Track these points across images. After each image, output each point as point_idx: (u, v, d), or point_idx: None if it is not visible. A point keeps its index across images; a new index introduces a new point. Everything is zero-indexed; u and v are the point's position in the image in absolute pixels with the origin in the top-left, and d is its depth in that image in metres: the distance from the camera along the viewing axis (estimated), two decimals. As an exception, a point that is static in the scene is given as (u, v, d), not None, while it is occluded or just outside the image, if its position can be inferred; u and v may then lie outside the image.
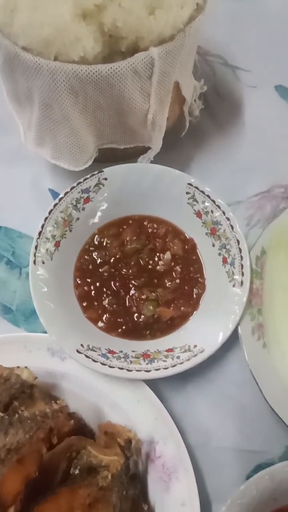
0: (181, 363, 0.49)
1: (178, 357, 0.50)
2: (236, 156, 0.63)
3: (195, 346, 0.50)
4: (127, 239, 0.56)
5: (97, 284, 0.55)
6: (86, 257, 0.56)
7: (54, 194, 0.60)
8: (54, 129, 0.50)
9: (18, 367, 0.47)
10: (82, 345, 0.50)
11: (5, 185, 0.61)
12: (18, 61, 0.44)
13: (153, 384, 0.50)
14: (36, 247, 0.51)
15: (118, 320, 0.54)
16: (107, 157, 0.57)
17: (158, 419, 0.49)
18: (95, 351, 0.50)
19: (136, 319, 0.54)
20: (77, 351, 0.49)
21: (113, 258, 0.56)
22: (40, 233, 0.52)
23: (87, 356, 0.49)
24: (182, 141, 0.63)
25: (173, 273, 0.56)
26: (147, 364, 0.50)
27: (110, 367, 0.49)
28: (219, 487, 0.50)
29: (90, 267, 0.56)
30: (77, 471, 0.44)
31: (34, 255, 0.51)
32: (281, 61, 0.69)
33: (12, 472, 0.39)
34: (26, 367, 0.47)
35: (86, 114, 0.48)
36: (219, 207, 0.53)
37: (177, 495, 0.47)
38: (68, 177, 0.58)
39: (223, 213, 0.53)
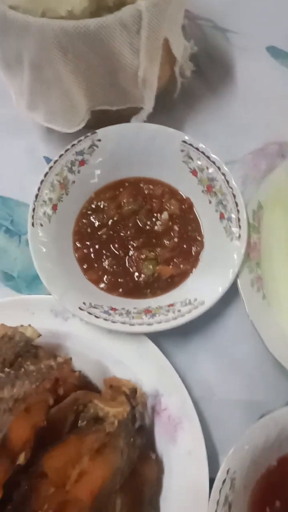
0: (182, 316, 0.49)
1: (179, 311, 0.50)
2: (229, 117, 0.63)
3: (195, 299, 0.51)
4: (124, 201, 0.57)
5: (96, 246, 0.55)
6: (84, 220, 0.56)
7: (50, 161, 0.60)
8: (46, 91, 0.50)
9: (21, 325, 0.48)
10: (84, 303, 0.50)
11: (0, 155, 0.61)
12: (6, 21, 0.44)
13: (155, 341, 0.51)
14: (33, 210, 0.52)
15: (119, 280, 0.54)
16: (101, 121, 0.57)
17: (162, 372, 0.50)
18: (97, 308, 0.51)
19: (136, 278, 0.54)
20: (80, 308, 0.50)
21: (111, 221, 0.56)
22: (36, 196, 0.52)
23: (89, 313, 0.49)
24: (174, 104, 0.63)
25: (171, 233, 0.56)
26: (149, 318, 0.50)
27: (113, 322, 0.49)
28: (224, 438, 0.50)
29: (89, 230, 0.56)
30: (84, 423, 0.44)
31: (32, 217, 0.51)
32: (272, 23, 0.69)
33: (20, 420, 0.39)
34: (29, 325, 0.48)
35: (76, 73, 0.48)
36: (214, 163, 0.53)
37: (183, 445, 0.48)
38: (63, 144, 0.58)
39: (218, 168, 0.53)
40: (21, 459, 0.39)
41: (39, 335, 0.48)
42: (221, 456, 0.50)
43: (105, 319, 0.50)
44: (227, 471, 0.44)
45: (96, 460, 0.40)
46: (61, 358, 0.45)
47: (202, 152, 0.54)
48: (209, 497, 0.44)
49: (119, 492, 0.41)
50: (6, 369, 0.44)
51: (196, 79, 0.64)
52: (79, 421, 0.45)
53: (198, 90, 0.65)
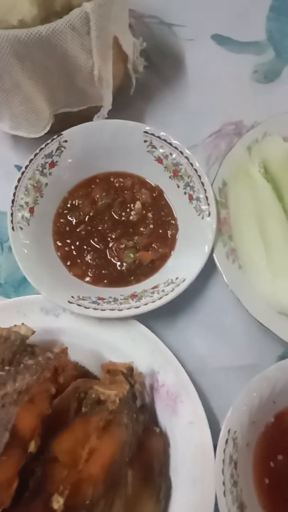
0: (167, 295, 0.52)
1: (163, 291, 0.53)
2: (186, 105, 0.66)
3: (176, 278, 0.53)
4: (97, 196, 0.59)
5: (77, 243, 0.58)
6: (61, 220, 0.58)
7: (20, 169, 0.62)
8: (8, 99, 0.52)
9: (15, 325, 0.50)
10: (72, 297, 0.53)
11: (-28, 168, 0.63)
12: None
13: (146, 324, 0.54)
14: (12, 215, 0.54)
15: (103, 272, 0.57)
16: (64, 124, 0.59)
17: (155, 351, 0.53)
18: (85, 300, 0.53)
19: (119, 268, 0.57)
20: (69, 302, 0.52)
21: (87, 217, 0.59)
22: (13, 201, 0.54)
23: (79, 305, 0.52)
24: (132, 100, 0.66)
25: (146, 220, 0.59)
26: (135, 302, 0.53)
27: (102, 310, 0.52)
28: (222, 405, 0.53)
29: (67, 228, 0.58)
30: (87, 408, 0.46)
31: (12, 221, 0.53)
32: (213, 12, 0.72)
33: (26, 410, 0.41)
34: (22, 323, 0.50)
35: (35, 79, 0.51)
36: (176, 148, 0.56)
37: (184, 416, 0.50)
38: (31, 151, 0.60)
39: (181, 153, 0.56)
40: (32, 447, 0.41)
41: (33, 332, 0.49)
42: (222, 423, 0.52)
43: (95, 309, 0.52)
44: (228, 431, 0.47)
45: (103, 438, 0.43)
46: (58, 348, 0.47)
47: (164, 140, 0.57)
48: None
49: (129, 466, 0.44)
50: (6, 367, 0.46)
51: (149, 74, 0.67)
52: (83, 408, 0.47)
53: (152, 84, 0.68)
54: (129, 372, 0.47)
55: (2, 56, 0.47)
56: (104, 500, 0.41)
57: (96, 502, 0.40)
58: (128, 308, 0.52)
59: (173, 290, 0.52)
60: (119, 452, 0.42)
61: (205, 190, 0.55)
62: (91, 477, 0.40)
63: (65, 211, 0.59)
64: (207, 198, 0.55)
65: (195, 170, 0.56)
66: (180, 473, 0.48)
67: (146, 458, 0.46)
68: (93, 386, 0.48)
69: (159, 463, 0.48)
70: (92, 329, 0.54)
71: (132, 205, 0.59)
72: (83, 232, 0.58)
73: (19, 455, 0.40)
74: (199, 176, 0.56)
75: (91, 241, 0.58)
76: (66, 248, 0.57)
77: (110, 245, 0.58)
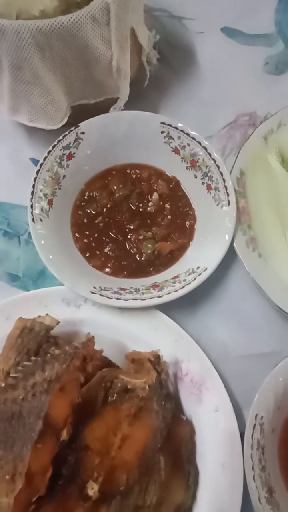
0: (189, 284, 0.52)
1: (184, 280, 0.53)
2: (199, 97, 0.66)
3: (198, 267, 0.54)
4: (114, 188, 0.59)
5: (95, 235, 0.58)
6: (79, 212, 0.59)
7: (36, 162, 0.62)
8: (27, 91, 0.52)
9: (39, 316, 0.50)
10: (94, 287, 0.53)
11: (-14, 163, 0.63)
12: (-19, 28, 0.46)
13: (166, 313, 0.54)
14: (31, 206, 0.54)
15: (122, 263, 0.57)
16: (81, 116, 0.59)
17: (178, 340, 0.53)
18: (107, 290, 0.53)
19: (138, 259, 0.57)
20: (91, 292, 0.52)
21: (105, 209, 0.59)
22: (32, 193, 0.54)
23: (101, 295, 0.52)
24: (145, 93, 0.66)
25: (164, 211, 0.59)
26: (157, 291, 0.53)
27: (125, 300, 0.52)
28: (245, 393, 0.53)
29: (85, 220, 0.58)
30: (114, 397, 0.47)
31: (32, 213, 0.53)
32: (222, 5, 0.73)
33: (57, 398, 0.41)
34: (47, 314, 0.50)
35: (55, 70, 0.51)
36: (194, 138, 0.57)
37: (209, 403, 0.51)
38: (46, 144, 0.60)
39: (199, 143, 0.56)
40: (64, 435, 0.41)
41: (58, 322, 0.49)
42: (245, 410, 0.53)
43: (117, 299, 0.52)
44: (255, 417, 0.47)
45: (135, 425, 0.43)
46: (84, 337, 0.47)
47: (181, 130, 0.57)
48: (242, 447, 0.48)
49: (161, 452, 0.44)
50: (32, 358, 0.46)
51: (162, 67, 0.68)
52: (109, 397, 0.47)
53: (165, 77, 0.68)
54: (156, 360, 0.47)
55: (24, 46, 0.47)
56: (138, 486, 0.41)
57: (131, 488, 0.41)
58: (151, 298, 0.52)
59: (195, 279, 0.52)
60: (152, 438, 0.42)
61: (223, 179, 0.56)
62: (125, 464, 0.41)
63: (82, 203, 0.59)
64: (226, 187, 0.55)
65: (213, 160, 0.56)
66: (207, 459, 0.49)
67: (174, 446, 0.47)
68: (119, 375, 0.48)
69: (187, 450, 0.48)
70: (113, 319, 0.54)
71: (149, 196, 0.59)
72: (101, 224, 0.58)
73: (53, 443, 0.40)
74: (218, 166, 0.56)
75: (109, 232, 0.58)
76: (85, 240, 0.57)
77: (129, 236, 0.58)
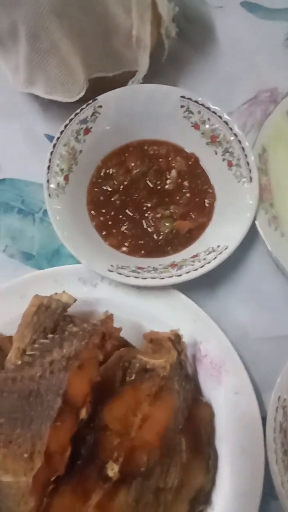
0: (209, 263, 0.51)
1: (204, 259, 0.51)
2: (218, 73, 0.64)
3: (218, 246, 0.52)
4: (132, 165, 0.57)
5: (112, 213, 0.56)
6: (95, 189, 0.57)
7: (51, 138, 0.60)
8: (44, 62, 0.50)
9: (56, 293, 0.48)
10: (112, 265, 0.51)
11: (1, 139, 0.61)
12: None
13: (184, 294, 0.52)
14: (48, 181, 0.52)
15: (139, 242, 0.55)
16: (98, 92, 0.57)
17: (197, 320, 0.51)
18: (125, 269, 0.51)
19: (156, 238, 0.55)
20: (109, 270, 0.50)
21: (121, 186, 0.57)
22: (49, 167, 0.52)
23: (119, 273, 0.50)
24: (163, 69, 0.63)
25: (182, 189, 0.57)
26: (176, 270, 0.51)
27: (143, 278, 0.50)
28: (265, 376, 0.52)
29: (101, 198, 0.57)
30: (133, 377, 0.45)
31: (48, 188, 0.52)
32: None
33: (76, 376, 0.40)
34: (64, 291, 0.48)
35: (73, 39, 0.49)
36: (214, 113, 0.55)
37: (229, 385, 0.49)
38: (61, 120, 0.58)
39: (220, 117, 0.54)
40: (83, 413, 0.39)
41: (75, 300, 0.48)
42: (265, 394, 0.51)
43: (135, 277, 0.50)
44: (278, 399, 0.46)
45: (156, 404, 0.41)
46: (103, 315, 0.46)
47: (202, 104, 0.55)
48: (263, 431, 0.46)
49: (182, 434, 0.42)
50: (49, 335, 0.45)
51: (180, 42, 0.65)
52: (127, 377, 0.46)
53: (183, 53, 0.66)
54: (177, 339, 0.46)
55: (42, 13, 0.45)
56: (160, 467, 0.40)
57: (152, 470, 0.39)
58: (170, 277, 0.50)
59: (215, 258, 0.51)
60: (173, 419, 0.41)
61: (245, 155, 0.54)
62: (146, 444, 0.39)
63: (99, 180, 0.57)
64: (248, 163, 0.53)
65: (235, 135, 0.54)
66: (227, 443, 0.47)
67: (194, 428, 0.45)
68: (137, 355, 0.47)
69: (207, 433, 0.46)
70: (130, 299, 0.53)
71: (167, 173, 0.57)
72: (117, 202, 0.56)
73: (72, 421, 0.38)
74: (239, 141, 0.54)
75: (126, 210, 0.56)
76: (101, 218, 0.56)
77: (146, 214, 0.56)
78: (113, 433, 0.40)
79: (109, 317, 0.45)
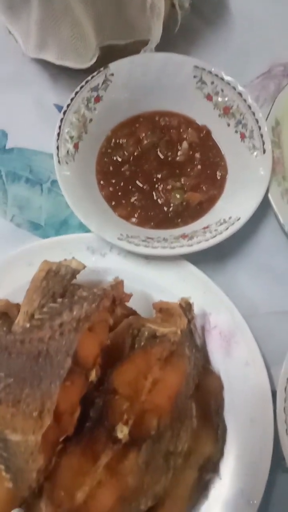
0: (221, 233, 0.50)
1: (216, 230, 0.51)
2: (231, 46, 0.63)
3: (230, 217, 0.51)
4: (142, 135, 0.56)
5: (121, 183, 0.55)
6: (105, 159, 0.56)
7: (60, 108, 0.59)
8: (57, 25, 0.49)
9: (65, 259, 0.47)
10: (121, 234, 0.50)
11: (10, 108, 0.60)
12: None
13: (193, 267, 0.52)
14: (57, 148, 0.51)
15: (149, 213, 0.54)
16: (108, 61, 0.56)
17: (207, 292, 0.51)
18: (134, 238, 0.51)
19: (166, 209, 0.55)
20: (118, 238, 0.50)
21: (131, 157, 0.56)
22: (58, 134, 0.52)
23: (129, 242, 0.49)
24: (174, 42, 0.62)
25: (194, 161, 0.56)
26: (187, 241, 0.50)
27: (153, 247, 0.49)
28: (274, 350, 0.51)
29: (111, 168, 0.56)
30: (142, 343, 0.44)
31: (57, 155, 0.51)
32: None
33: (86, 337, 0.39)
34: (73, 257, 0.47)
35: (86, 3, 0.48)
36: (228, 83, 0.54)
37: (239, 357, 0.49)
38: (72, 90, 0.57)
39: (234, 88, 0.54)
40: (93, 375, 0.39)
41: (85, 266, 0.47)
42: (274, 368, 0.51)
43: (146, 246, 0.50)
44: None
45: (166, 369, 0.41)
46: (113, 281, 0.45)
47: (216, 75, 0.54)
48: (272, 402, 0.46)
49: (193, 399, 0.42)
50: (59, 299, 0.44)
51: (192, 14, 0.64)
52: (136, 345, 0.45)
53: (195, 25, 0.65)
54: (187, 307, 0.45)
55: (56, -29, 0.44)
56: (170, 431, 0.39)
57: (162, 433, 0.39)
58: (181, 247, 0.50)
59: (227, 228, 0.50)
60: (184, 383, 0.40)
61: (259, 127, 0.53)
62: (156, 408, 0.39)
63: (108, 150, 0.56)
64: (261, 135, 0.53)
65: (249, 106, 0.53)
66: (236, 414, 0.47)
67: (203, 398, 0.45)
68: (146, 323, 0.46)
69: (216, 403, 0.46)
70: (139, 269, 0.52)
71: (178, 145, 0.56)
72: (127, 172, 0.55)
73: (82, 382, 0.38)
74: (253, 113, 0.53)
75: (136, 181, 0.55)
76: (110, 189, 0.55)
77: (156, 186, 0.55)
78: (122, 397, 0.39)
79: (119, 283, 0.44)
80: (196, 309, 0.50)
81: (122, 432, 0.37)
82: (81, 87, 0.53)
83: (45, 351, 0.39)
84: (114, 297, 0.42)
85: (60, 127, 0.52)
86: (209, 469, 0.43)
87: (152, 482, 0.38)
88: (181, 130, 0.57)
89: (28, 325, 0.42)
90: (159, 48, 0.56)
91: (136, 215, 0.54)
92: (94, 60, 0.53)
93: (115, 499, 0.36)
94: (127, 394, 0.39)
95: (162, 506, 0.39)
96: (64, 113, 0.52)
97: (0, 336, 0.42)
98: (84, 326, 0.40)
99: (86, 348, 0.39)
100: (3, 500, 0.36)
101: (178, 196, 0.55)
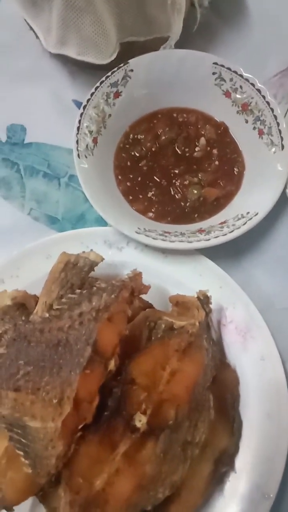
0: (238, 228, 0.50)
1: (233, 225, 0.51)
2: (248, 44, 0.64)
3: (247, 212, 0.51)
4: (160, 131, 0.57)
5: (139, 178, 0.56)
6: (123, 155, 0.56)
7: (78, 104, 0.60)
8: (78, 20, 0.50)
9: (83, 251, 0.48)
10: (139, 228, 0.51)
11: (29, 103, 0.61)
12: None
13: (210, 262, 0.52)
14: (77, 142, 0.52)
15: (166, 209, 0.55)
16: (127, 57, 0.57)
17: (223, 287, 0.51)
18: (152, 232, 0.51)
19: (183, 204, 0.55)
20: (136, 232, 0.50)
21: (149, 152, 0.56)
22: (78, 128, 0.52)
23: (146, 236, 0.50)
24: (192, 40, 0.63)
25: (211, 157, 0.56)
26: (204, 235, 0.51)
27: (171, 241, 0.50)
28: (289, 346, 0.51)
29: (129, 163, 0.56)
30: (159, 335, 0.45)
31: (77, 149, 0.51)
32: None
33: (105, 327, 0.39)
34: (91, 249, 0.48)
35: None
36: (247, 80, 0.54)
37: (255, 352, 0.49)
38: (90, 86, 0.58)
39: (252, 85, 0.54)
40: (112, 365, 0.39)
41: (103, 259, 0.47)
42: (288, 363, 0.51)
43: (163, 240, 0.50)
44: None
45: (184, 360, 0.41)
46: (131, 272, 0.45)
47: (235, 72, 0.54)
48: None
49: (209, 390, 0.42)
50: (77, 290, 0.45)
51: (210, 13, 0.64)
52: (153, 337, 0.45)
53: (212, 23, 0.65)
54: (205, 299, 0.45)
55: None
56: (188, 421, 0.39)
57: (180, 423, 0.39)
58: (198, 241, 0.50)
59: (245, 223, 0.50)
60: (202, 374, 0.40)
61: (277, 123, 0.53)
62: (174, 398, 0.39)
63: (126, 146, 0.57)
64: (280, 131, 0.53)
65: (267, 102, 0.53)
66: (253, 408, 0.47)
67: (220, 391, 0.45)
68: (162, 316, 0.46)
69: (233, 397, 0.46)
70: (156, 264, 0.52)
71: (196, 141, 0.57)
72: (145, 168, 0.56)
73: (101, 371, 0.38)
74: (272, 109, 0.53)
75: (153, 177, 0.56)
76: (128, 183, 0.55)
77: (174, 181, 0.55)
78: (140, 387, 0.40)
79: (138, 274, 0.44)
80: (212, 304, 0.50)
81: (141, 421, 0.38)
82: (101, 82, 0.53)
83: (65, 340, 0.39)
84: (133, 288, 0.42)
85: (80, 121, 0.52)
86: (224, 462, 0.43)
87: (170, 471, 0.38)
88: (199, 127, 0.57)
89: (47, 315, 0.43)
90: (178, 46, 0.56)
91: (153, 210, 0.55)
92: (114, 56, 0.54)
93: (133, 487, 0.36)
94: (145, 384, 0.40)
95: (179, 497, 0.39)
96: (84, 107, 0.53)
97: (19, 325, 0.42)
98: (103, 316, 0.40)
99: (105, 337, 0.39)
100: (22, 486, 0.37)
101: (195, 191, 0.55)
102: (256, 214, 0.50)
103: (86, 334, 0.39)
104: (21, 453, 0.36)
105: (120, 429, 0.38)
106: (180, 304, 0.48)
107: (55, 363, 0.38)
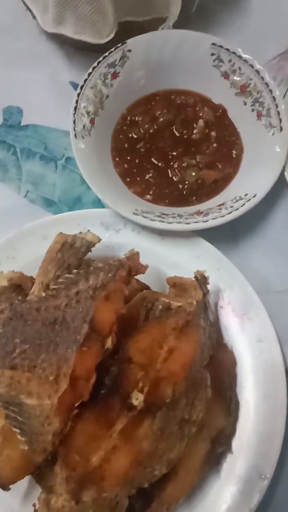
0: (237, 210, 0.50)
1: (231, 207, 0.51)
2: (247, 27, 0.63)
3: (246, 194, 0.51)
4: (158, 113, 0.56)
5: (136, 160, 0.55)
6: (120, 136, 0.56)
7: (75, 86, 0.59)
8: (75, -2, 0.49)
9: (80, 232, 0.47)
10: (136, 210, 0.50)
11: (25, 85, 0.60)
12: None
13: (206, 245, 0.51)
14: (74, 122, 0.51)
15: (164, 191, 0.54)
16: (125, 38, 0.56)
17: (221, 269, 0.50)
18: (149, 214, 0.51)
19: (180, 187, 0.54)
20: (133, 213, 0.49)
21: (147, 134, 0.56)
22: (75, 108, 0.52)
23: (144, 217, 0.49)
24: (190, 23, 0.62)
25: (210, 139, 0.56)
26: (203, 217, 0.50)
27: (168, 223, 0.49)
28: (286, 327, 0.51)
29: (126, 145, 0.56)
30: (157, 315, 0.44)
31: (74, 129, 0.51)
32: None
33: (103, 305, 0.39)
34: (88, 230, 0.47)
35: (105, -24, 0.48)
36: (246, 61, 0.53)
37: (252, 333, 0.49)
38: (87, 68, 0.57)
39: (251, 66, 0.53)
40: (109, 343, 0.39)
41: (100, 240, 0.47)
42: (286, 346, 0.50)
43: (161, 221, 0.50)
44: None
45: (182, 338, 0.41)
46: (129, 252, 0.45)
47: (233, 52, 0.54)
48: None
49: (206, 369, 0.42)
50: (74, 270, 0.44)
51: (208, -1, 0.64)
52: (150, 318, 0.45)
53: (212, 5, 0.64)
54: (203, 280, 0.45)
55: None
56: (185, 399, 0.39)
57: (177, 401, 0.39)
58: (196, 222, 0.50)
59: (243, 205, 0.50)
60: (199, 352, 0.40)
61: (276, 105, 0.53)
62: (171, 376, 0.39)
63: (124, 127, 0.56)
64: (278, 113, 0.52)
65: (266, 84, 0.53)
66: (249, 389, 0.47)
67: (217, 371, 0.45)
68: (160, 298, 0.46)
69: (229, 377, 0.46)
70: (154, 246, 0.52)
71: (194, 123, 0.56)
72: (142, 150, 0.55)
73: (98, 349, 0.38)
74: (270, 91, 0.53)
75: (151, 159, 0.55)
76: (125, 165, 0.55)
77: (171, 163, 0.55)
78: (137, 365, 0.39)
79: (135, 254, 0.44)
80: (209, 286, 0.50)
81: (138, 399, 0.37)
82: (99, 63, 0.53)
83: (61, 317, 0.39)
84: (130, 267, 0.42)
85: (77, 101, 0.52)
86: (221, 442, 0.43)
87: (167, 449, 0.38)
88: (197, 109, 0.57)
89: (43, 294, 0.42)
90: (175, 26, 0.56)
91: (150, 192, 0.54)
92: (112, 35, 0.53)
93: (129, 463, 0.36)
94: (142, 362, 0.39)
95: (175, 475, 0.39)
96: (82, 87, 0.52)
97: (16, 305, 0.42)
98: (100, 294, 0.40)
99: (102, 315, 0.39)
100: (18, 464, 0.36)
101: (193, 173, 0.54)
102: (255, 195, 0.50)
103: (83, 312, 0.39)
104: (18, 430, 0.36)
105: (117, 407, 0.38)
106: (177, 285, 0.48)
107: (52, 340, 0.38)
